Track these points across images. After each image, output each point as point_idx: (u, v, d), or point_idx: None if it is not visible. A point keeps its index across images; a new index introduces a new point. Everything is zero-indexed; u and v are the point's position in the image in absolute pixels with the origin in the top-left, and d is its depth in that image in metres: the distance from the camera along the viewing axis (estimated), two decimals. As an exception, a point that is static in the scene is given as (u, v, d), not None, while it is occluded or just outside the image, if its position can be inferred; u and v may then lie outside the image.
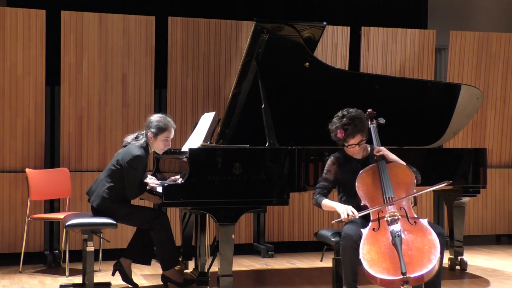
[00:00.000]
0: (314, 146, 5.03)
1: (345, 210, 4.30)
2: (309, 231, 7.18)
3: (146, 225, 5.10)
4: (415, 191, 4.42)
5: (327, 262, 4.87)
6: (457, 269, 6.10)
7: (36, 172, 6.20)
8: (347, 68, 7.29)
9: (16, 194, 6.41)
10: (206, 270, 5.37)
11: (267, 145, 4.86)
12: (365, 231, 4.18)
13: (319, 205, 4.53)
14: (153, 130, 5.08)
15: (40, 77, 6.52)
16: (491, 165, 7.63)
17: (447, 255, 6.22)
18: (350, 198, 4.49)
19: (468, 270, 6.10)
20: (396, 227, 4.11)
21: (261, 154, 4.79)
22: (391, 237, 4.07)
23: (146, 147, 5.11)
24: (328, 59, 7.21)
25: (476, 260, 6.71)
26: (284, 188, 4.81)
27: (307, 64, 5.36)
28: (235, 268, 5.69)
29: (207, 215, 5.08)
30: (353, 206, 4.36)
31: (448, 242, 6.15)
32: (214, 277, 4.97)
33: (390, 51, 7.52)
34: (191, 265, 5.76)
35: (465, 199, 6.03)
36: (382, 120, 4.77)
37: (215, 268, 4.93)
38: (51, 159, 6.68)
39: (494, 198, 7.82)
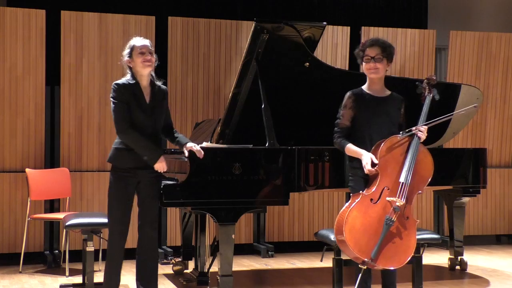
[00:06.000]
0: (314, 146, 5.03)
1: (368, 161, 4.04)
2: (309, 231, 7.18)
3: (108, 214, 4.49)
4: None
5: (327, 262, 4.87)
6: (457, 269, 6.10)
7: (36, 172, 6.20)
8: (347, 68, 7.29)
9: (16, 194, 6.41)
10: (206, 270, 5.37)
11: (267, 145, 4.86)
12: (361, 195, 4.02)
13: (342, 149, 4.27)
14: (126, 52, 4.49)
15: (40, 77, 6.52)
16: (491, 165, 7.63)
17: (447, 255, 6.23)
18: (361, 143, 4.22)
19: (468, 270, 6.10)
20: (393, 216, 3.97)
21: (261, 154, 4.78)
22: (384, 221, 3.95)
23: (132, 76, 4.47)
24: (328, 59, 7.21)
25: (476, 260, 6.70)
26: (284, 188, 4.80)
27: (307, 64, 5.35)
28: (235, 268, 5.69)
29: (207, 215, 5.08)
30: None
31: (449, 242, 6.15)
32: (214, 277, 4.97)
33: (390, 51, 7.51)
34: (191, 265, 5.76)
35: (465, 199, 6.03)
36: (437, 96, 4.42)
37: (215, 268, 4.93)
38: (51, 159, 6.68)
39: (494, 198, 7.82)
